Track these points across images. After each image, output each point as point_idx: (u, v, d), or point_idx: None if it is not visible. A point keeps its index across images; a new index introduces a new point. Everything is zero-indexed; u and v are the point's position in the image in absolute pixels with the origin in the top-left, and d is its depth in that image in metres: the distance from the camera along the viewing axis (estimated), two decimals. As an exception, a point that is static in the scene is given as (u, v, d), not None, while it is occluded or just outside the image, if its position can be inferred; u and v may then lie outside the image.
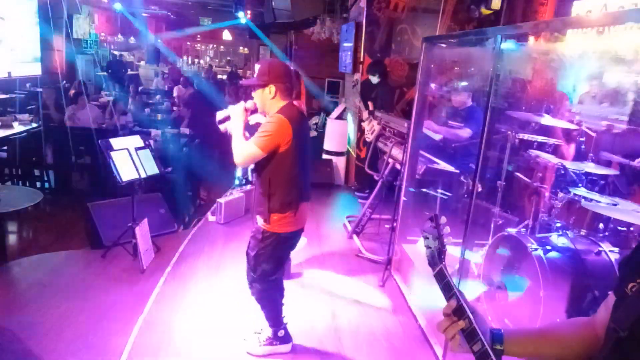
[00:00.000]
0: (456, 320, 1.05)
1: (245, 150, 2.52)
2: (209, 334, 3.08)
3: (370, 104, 5.60)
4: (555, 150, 3.65)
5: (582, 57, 3.90)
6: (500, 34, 2.55)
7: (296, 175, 2.59)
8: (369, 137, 5.08)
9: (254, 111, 2.78)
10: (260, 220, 2.65)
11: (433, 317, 3.23)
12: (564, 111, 3.94)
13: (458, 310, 1.06)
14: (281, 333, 2.91)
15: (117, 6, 11.52)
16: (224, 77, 15.76)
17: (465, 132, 4.21)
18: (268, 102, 2.62)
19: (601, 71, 3.98)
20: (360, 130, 6.54)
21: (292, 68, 3.53)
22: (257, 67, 2.69)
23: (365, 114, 5.37)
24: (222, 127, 2.74)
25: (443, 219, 1.16)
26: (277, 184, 2.57)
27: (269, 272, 2.71)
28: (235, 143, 2.57)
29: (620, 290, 0.98)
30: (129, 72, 13.79)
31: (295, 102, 3.46)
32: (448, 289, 1.09)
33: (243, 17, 11.84)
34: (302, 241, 3.43)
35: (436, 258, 1.14)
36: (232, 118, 2.64)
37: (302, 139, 2.59)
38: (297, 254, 4.30)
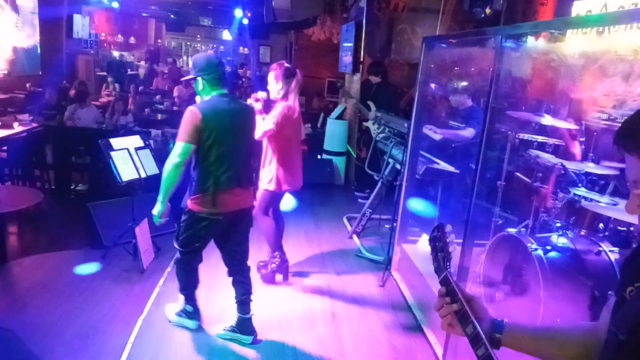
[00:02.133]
0: (449, 302, 1.11)
1: (174, 148, 2.72)
2: (209, 334, 3.08)
3: (371, 104, 5.60)
4: (559, 151, 3.64)
5: (582, 57, 3.90)
6: (500, 34, 2.55)
7: (211, 164, 2.73)
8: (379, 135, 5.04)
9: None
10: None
11: (433, 317, 3.23)
12: (564, 112, 3.94)
13: (450, 293, 1.12)
14: (189, 308, 3.10)
15: (115, 4, 11.53)
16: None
17: (468, 132, 4.20)
18: (200, 93, 2.84)
19: (601, 71, 3.97)
20: (361, 130, 6.54)
21: (286, 65, 3.57)
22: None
23: (372, 114, 5.36)
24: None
25: (449, 227, 1.21)
26: (197, 171, 2.76)
27: (184, 244, 2.91)
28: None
29: (620, 294, 0.98)
30: (129, 72, 13.79)
31: (284, 101, 3.55)
32: (453, 294, 1.13)
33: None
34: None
35: (442, 265, 1.18)
36: None
37: (221, 129, 2.71)
38: (297, 254, 4.31)
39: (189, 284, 3.11)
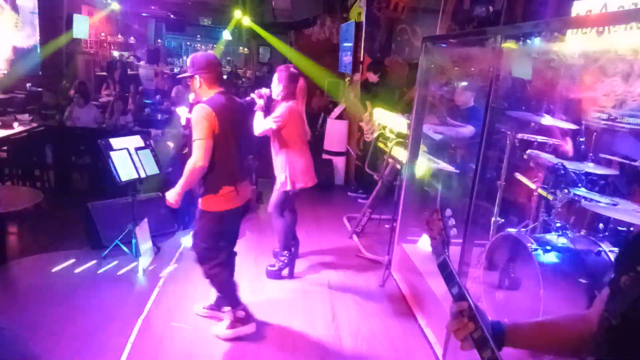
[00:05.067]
0: (466, 323, 1.06)
1: (194, 149, 2.69)
2: (209, 334, 3.08)
3: (368, 104, 5.59)
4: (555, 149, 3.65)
5: (582, 57, 3.90)
6: (500, 34, 2.55)
7: (226, 159, 2.78)
8: (369, 137, 5.08)
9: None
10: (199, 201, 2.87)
11: (433, 317, 3.23)
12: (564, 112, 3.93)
13: (465, 311, 1.07)
14: (241, 314, 3.01)
15: (115, 6, 11.55)
16: (224, 76, 15.76)
17: (468, 130, 4.20)
18: (197, 91, 2.88)
19: (601, 71, 3.97)
20: (361, 130, 6.54)
21: (292, 70, 3.68)
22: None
23: (366, 115, 5.37)
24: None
25: (448, 212, 1.20)
26: (211, 167, 2.74)
27: (206, 250, 2.88)
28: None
29: (614, 284, 1.01)
30: (129, 72, 13.77)
31: (284, 102, 3.62)
32: (451, 278, 1.12)
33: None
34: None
35: (440, 248, 1.17)
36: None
37: (230, 125, 2.78)
38: (298, 254, 4.31)
39: (228, 290, 3.02)
